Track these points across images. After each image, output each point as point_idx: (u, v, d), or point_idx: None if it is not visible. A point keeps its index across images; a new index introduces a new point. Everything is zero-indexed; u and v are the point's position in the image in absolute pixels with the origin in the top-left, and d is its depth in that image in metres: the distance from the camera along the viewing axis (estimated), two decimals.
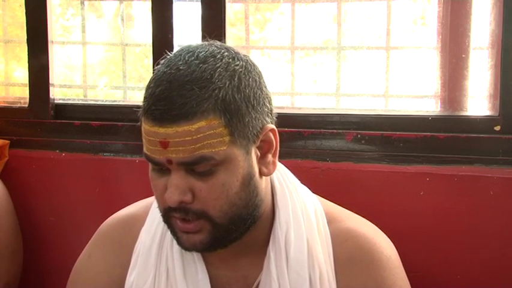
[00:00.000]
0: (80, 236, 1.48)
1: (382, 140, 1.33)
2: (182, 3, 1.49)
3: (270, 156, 0.92)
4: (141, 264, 1.01)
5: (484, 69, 1.39)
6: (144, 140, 0.88)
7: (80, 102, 1.68)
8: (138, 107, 1.64)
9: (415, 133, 1.31)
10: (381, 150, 1.32)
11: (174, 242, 0.96)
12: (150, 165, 0.90)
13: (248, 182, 0.89)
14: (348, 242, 0.98)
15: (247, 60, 0.91)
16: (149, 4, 1.48)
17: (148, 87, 0.87)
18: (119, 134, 1.51)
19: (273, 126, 0.92)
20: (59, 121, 1.56)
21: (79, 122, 1.54)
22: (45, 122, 1.56)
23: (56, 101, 1.58)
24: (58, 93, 1.67)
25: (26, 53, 1.56)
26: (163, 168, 0.88)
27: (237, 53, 0.90)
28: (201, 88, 0.83)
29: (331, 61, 1.53)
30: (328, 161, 1.33)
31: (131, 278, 1.01)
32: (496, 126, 1.30)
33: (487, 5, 1.37)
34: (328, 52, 1.57)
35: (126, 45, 1.70)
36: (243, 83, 0.87)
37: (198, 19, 1.43)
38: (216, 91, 0.84)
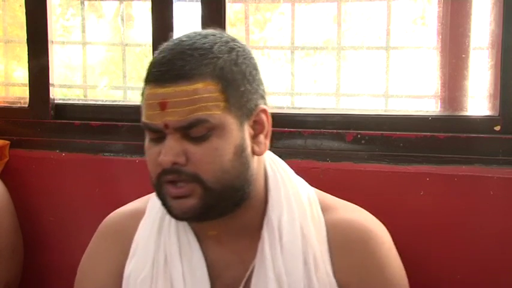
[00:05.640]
0: (80, 236, 1.48)
1: (382, 140, 1.33)
2: (182, 3, 1.49)
3: (262, 137, 0.96)
4: (140, 252, 1.03)
5: (484, 69, 1.39)
6: (143, 107, 0.93)
7: (80, 102, 1.68)
8: (138, 107, 1.64)
9: (415, 133, 1.31)
10: (381, 150, 1.32)
11: (172, 228, 1.00)
12: (147, 137, 0.94)
13: (240, 153, 0.92)
14: (342, 226, 1.00)
15: (245, 45, 0.97)
16: (149, 4, 1.48)
17: (152, 58, 0.93)
18: (119, 134, 1.51)
19: (266, 107, 0.96)
20: (59, 121, 1.56)
21: (79, 122, 1.54)
22: (45, 122, 1.56)
23: (56, 101, 1.58)
24: (58, 93, 1.67)
25: (26, 53, 1.56)
26: (160, 137, 0.91)
27: (236, 39, 0.97)
28: (201, 55, 0.90)
29: (331, 61, 1.53)
30: (328, 161, 1.33)
31: (130, 266, 1.03)
32: (496, 126, 1.30)
33: (487, 5, 1.37)
34: (328, 52, 1.57)
35: (126, 45, 1.70)
36: (240, 59, 0.93)
37: (198, 19, 1.43)
38: (215, 59, 0.90)
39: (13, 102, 1.70)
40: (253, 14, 1.67)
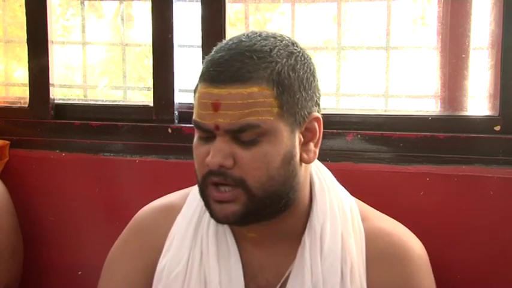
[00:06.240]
0: (80, 236, 1.48)
1: (382, 140, 1.33)
2: (182, 3, 1.49)
3: (311, 145, 0.95)
4: (176, 248, 1.02)
5: (484, 69, 1.39)
6: (196, 105, 0.91)
7: (80, 102, 1.68)
8: (138, 107, 1.64)
9: (415, 133, 1.31)
10: (381, 150, 1.32)
11: (211, 227, 0.99)
12: (196, 134, 0.93)
13: (288, 161, 0.91)
14: (381, 238, 0.99)
15: (304, 50, 0.96)
16: (149, 4, 1.48)
17: (209, 56, 0.91)
18: (119, 134, 1.51)
19: (318, 115, 0.95)
20: (59, 121, 1.56)
21: (79, 122, 1.54)
22: (45, 122, 1.56)
23: (56, 101, 1.58)
24: (58, 93, 1.67)
25: (26, 53, 1.56)
26: (209, 137, 0.90)
27: (296, 43, 0.95)
28: (259, 58, 0.88)
29: (331, 61, 1.53)
30: (328, 161, 1.32)
31: (163, 261, 1.02)
32: (496, 126, 1.30)
33: (487, 5, 1.37)
34: (328, 52, 1.57)
35: (126, 45, 1.70)
36: (298, 65, 0.91)
37: (198, 19, 1.43)
38: (273, 64, 0.88)
39: (13, 102, 1.70)
40: (253, 14, 1.67)
